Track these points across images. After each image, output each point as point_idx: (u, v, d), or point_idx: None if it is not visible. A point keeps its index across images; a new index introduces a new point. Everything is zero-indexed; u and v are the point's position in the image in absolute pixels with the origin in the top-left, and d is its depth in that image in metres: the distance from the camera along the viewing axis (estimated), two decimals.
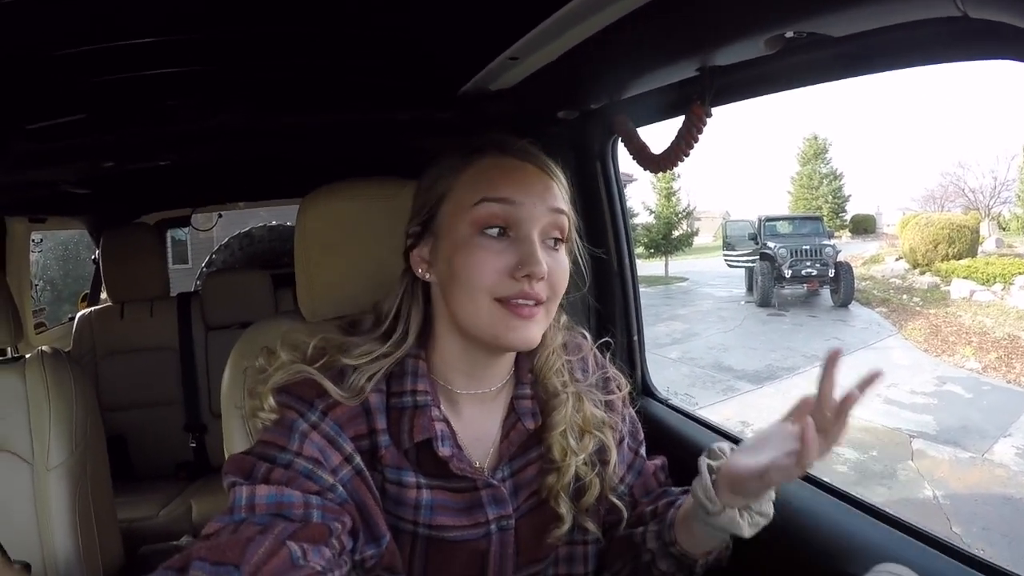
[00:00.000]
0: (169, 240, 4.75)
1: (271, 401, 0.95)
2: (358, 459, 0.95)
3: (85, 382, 1.67)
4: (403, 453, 0.98)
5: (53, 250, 16.27)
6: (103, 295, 3.47)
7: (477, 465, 1.02)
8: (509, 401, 1.07)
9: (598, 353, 1.20)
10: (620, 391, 1.17)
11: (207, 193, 3.63)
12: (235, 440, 1.25)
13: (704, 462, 0.99)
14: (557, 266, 0.96)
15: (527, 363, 1.08)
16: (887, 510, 1.11)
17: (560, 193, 0.99)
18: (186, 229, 4.47)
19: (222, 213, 4.48)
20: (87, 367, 2.95)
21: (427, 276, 1.00)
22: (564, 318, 1.14)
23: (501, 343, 0.95)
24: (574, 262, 1.04)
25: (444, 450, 0.97)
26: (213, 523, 0.84)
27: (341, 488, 0.91)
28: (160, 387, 3.04)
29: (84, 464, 1.60)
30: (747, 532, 0.96)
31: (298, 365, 0.96)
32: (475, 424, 1.04)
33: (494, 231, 0.94)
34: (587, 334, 1.20)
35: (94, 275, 3.87)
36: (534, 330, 0.94)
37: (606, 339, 1.22)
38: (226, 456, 1.26)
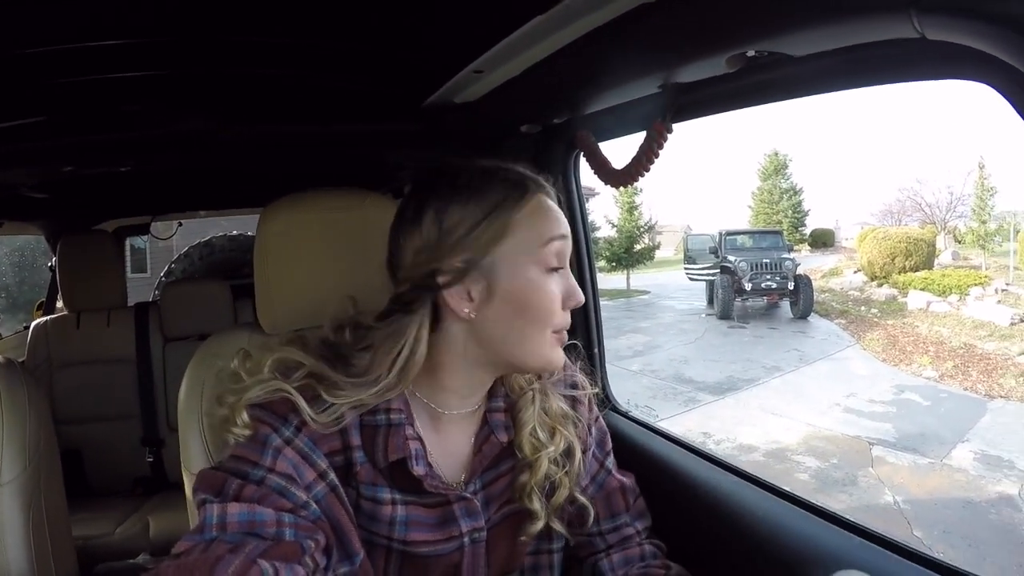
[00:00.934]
0: (128, 248, 4.66)
1: (244, 416, 0.92)
2: (332, 475, 0.94)
3: (39, 394, 1.61)
4: (378, 470, 0.97)
5: (8, 256, 15.85)
6: (59, 303, 3.38)
7: (450, 480, 1.02)
8: (483, 415, 1.07)
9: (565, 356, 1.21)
10: (586, 388, 1.18)
11: (167, 201, 3.55)
12: (192, 454, 1.22)
13: None
14: None
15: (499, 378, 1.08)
16: (846, 516, 1.12)
17: None
18: (145, 237, 4.38)
19: (182, 222, 4.40)
20: (42, 378, 2.85)
21: (472, 315, 0.96)
22: None
23: (550, 368, 1.02)
24: None
25: (418, 469, 0.97)
26: (183, 542, 0.82)
27: (315, 505, 0.90)
28: (116, 400, 2.95)
29: (38, 479, 1.55)
30: None
31: (277, 382, 0.93)
32: (450, 439, 1.04)
33: (557, 269, 0.98)
34: None
35: (50, 283, 3.77)
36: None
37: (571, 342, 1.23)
38: (183, 469, 1.24)
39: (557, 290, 0.97)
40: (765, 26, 0.84)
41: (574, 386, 1.17)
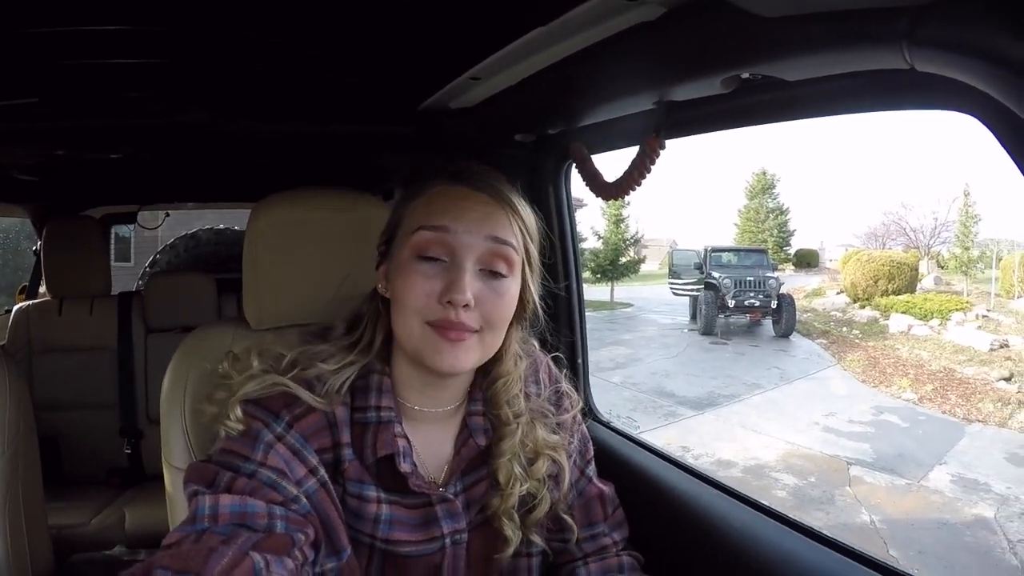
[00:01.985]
0: (112, 237, 4.62)
1: (238, 411, 0.93)
2: (323, 472, 0.95)
3: (20, 379, 1.59)
4: (365, 467, 0.98)
5: None
6: (42, 289, 3.35)
7: (431, 480, 1.03)
8: (462, 418, 1.08)
9: (552, 366, 1.21)
10: (572, 408, 1.18)
11: (157, 190, 3.53)
12: (174, 447, 1.21)
13: None
14: (495, 296, 0.96)
15: (481, 382, 1.08)
16: (824, 532, 1.13)
17: (511, 224, 0.99)
18: (131, 226, 4.34)
19: (170, 212, 4.37)
20: (22, 363, 2.82)
21: (385, 292, 1.01)
22: (535, 345, 1.17)
23: (428, 365, 0.95)
24: (536, 295, 1.06)
25: (405, 466, 0.98)
26: (175, 532, 0.83)
27: (305, 500, 0.91)
28: (96, 388, 2.92)
29: (15, 465, 1.53)
30: None
31: (272, 376, 0.96)
32: (430, 441, 1.05)
33: (430, 256, 0.95)
34: (536, 344, 1.20)
35: (34, 267, 3.74)
36: (462, 357, 0.95)
37: (556, 354, 1.24)
38: (164, 463, 1.24)
39: (426, 280, 0.94)
40: (761, 51, 0.86)
41: (559, 394, 1.17)
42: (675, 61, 1.01)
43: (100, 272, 3.05)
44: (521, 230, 1.01)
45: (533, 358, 1.17)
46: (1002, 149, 0.65)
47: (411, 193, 1.02)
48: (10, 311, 3.12)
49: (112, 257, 4.17)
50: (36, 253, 3.55)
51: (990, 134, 0.67)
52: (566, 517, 1.13)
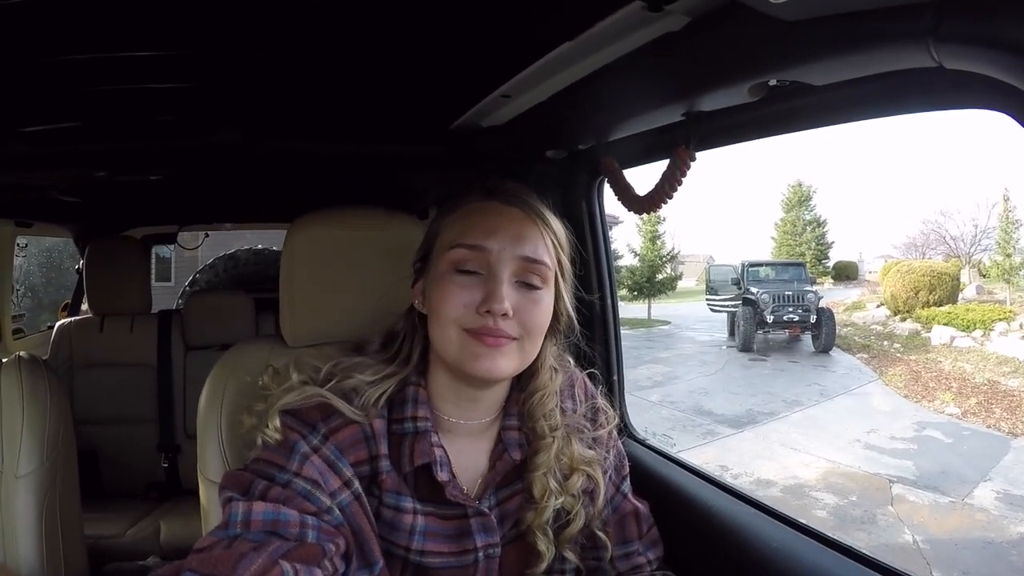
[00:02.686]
0: (153, 257, 4.72)
1: (277, 421, 0.95)
2: (357, 484, 0.96)
3: (61, 392, 1.64)
4: (403, 478, 0.99)
5: (36, 256, 16.11)
6: (84, 306, 3.43)
7: (466, 493, 1.03)
8: (497, 432, 1.08)
9: (588, 381, 1.21)
10: (608, 424, 1.17)
11: (195, 211, 3.61)
12: (210, 462, 1.23)
13: None
14: (531, 305, 0.98)
15: (517, 396, 1.09)
16: (864, 551, 1.11)
17: (543, 239, 1.01)
18: (171, 247, 4.43)
19: (209, 233, 4.46)
20: (63, 377, 2.88)
21: (422, 308, 1.03)
22: (571, 361, 1.18)
23: (467, 371, 0.96)
24: (570, 307, 1.07)
25: (442, 475, 0.99)
26: (208, 537, 0.84)
27: (338, 511, 0.92)
28: (135, 404, 2.99)
29: (54, 475, 1.57)
30: None
31: (311, 387, 0.98)
32: (465, 454, 1.05)
33: (467, 270, 0.97)
34: (571, 359, 1.20)
35: (76, 285, 3.84)
36: (501, 362, 0.96)
37: (591, 371, 1.23)
38: (199, 475, 1.26)
39: (464, 291, 0.96)
40: (786, 56, 0.85)
41: (595, 410, 1.17)
42: (701, 70, 1.01)
43: (141, 290, 3.13)
44: (553, 243, 1.03)
45: (569, 374, 1.17)
46: None
47: (446, 210, 1.05)
48: (52, 327, 3.20)
49: (153, 277, 4.26)
50: (78, 271, 3.64)
51: None
52: (601, 534, 1.12)
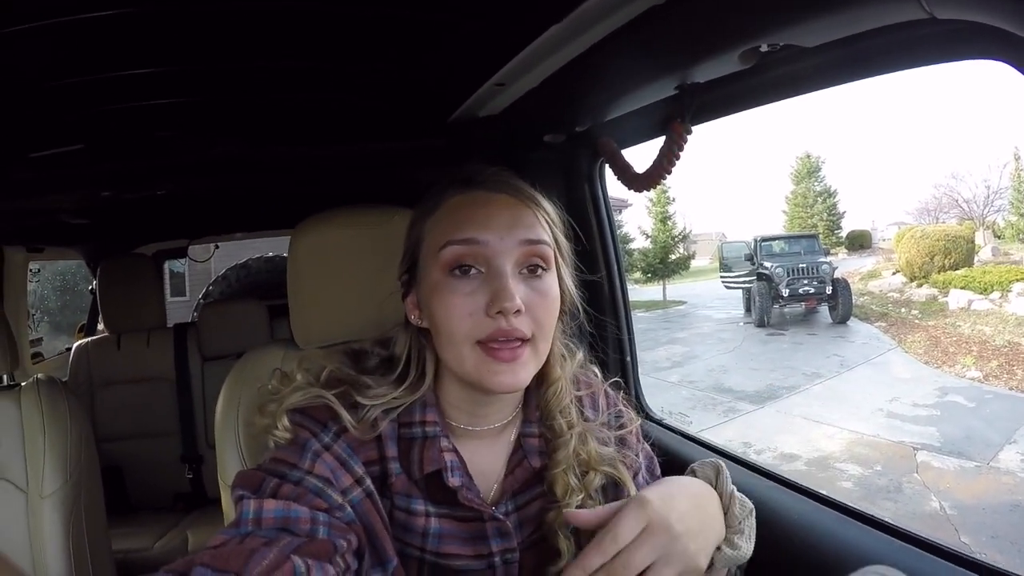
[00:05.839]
0: (167, 272, 4.75)
1: (285, 421, 0.94)
2: (369, 482, 0.95)
3: (80, 411, 1.66)
4: (413, 482, 0.98)
5: (51, 280, 16.28)
6: (100, 326, 3.47)
7: (482, 498, 1.01)
8: (516, 438, 1.06)
9: (610, 391, 1.18)
10: (631, 424, 1.14)
11: (204, 224, 3.65)
12: (229, 467, 1.24)
13: None
14: (540, 297, 0.93)
15: (534, 400, 1.07)
16: (888, 520, 1.11)
17: (538, 220, 0.97)
18: (183, 261, 4.46)
19: (219, 244, 4.48)
20: (83, 397, 2.92)
21: (421, 322, 0.99)
22: (580, 355, 1.13)
23: (487, 388, 0.92)
24: (572, 284, 1.03)
25: (454, 480, 0.97)
26: (220, 535, 0.83)
27: (350, 509, 0.91)
28: (156, 418, 3.02)
29: (78, 493, 1.59)
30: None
31: (316, 389, 0.96)
32: (478, 459, 1.03)
33: (463, 271, 0.92)
34: (597, 371, 1.17)
35: (91, 306, 3.88)
36: (520, 373, 0.92)
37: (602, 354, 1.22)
38: (220, 482, 1.27)
39: (467, 297, 0.91)
40: (774, 18, 0.84)
41: (619, 418, 1.15)
42: (689, 41, 1.01)
43: (155, 306, 3.17)
44: (548, 222, 0.98)
45: (588, 381, 1.15)
46: None
47: (424, 211, 1.00)
48: (70, 349, 3.23)
49: (168, 292, 4.29)
50: (92, 292, 3.68)
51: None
52: None
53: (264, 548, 0.78)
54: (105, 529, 1.77)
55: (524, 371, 0.93)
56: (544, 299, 0.94)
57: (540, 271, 0.95)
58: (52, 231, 3.02)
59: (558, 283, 0.99)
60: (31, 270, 3.84)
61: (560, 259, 1.00)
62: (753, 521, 0.97)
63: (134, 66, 1.29)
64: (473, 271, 0.92)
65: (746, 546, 0.93)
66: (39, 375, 1.69)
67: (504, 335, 0.90)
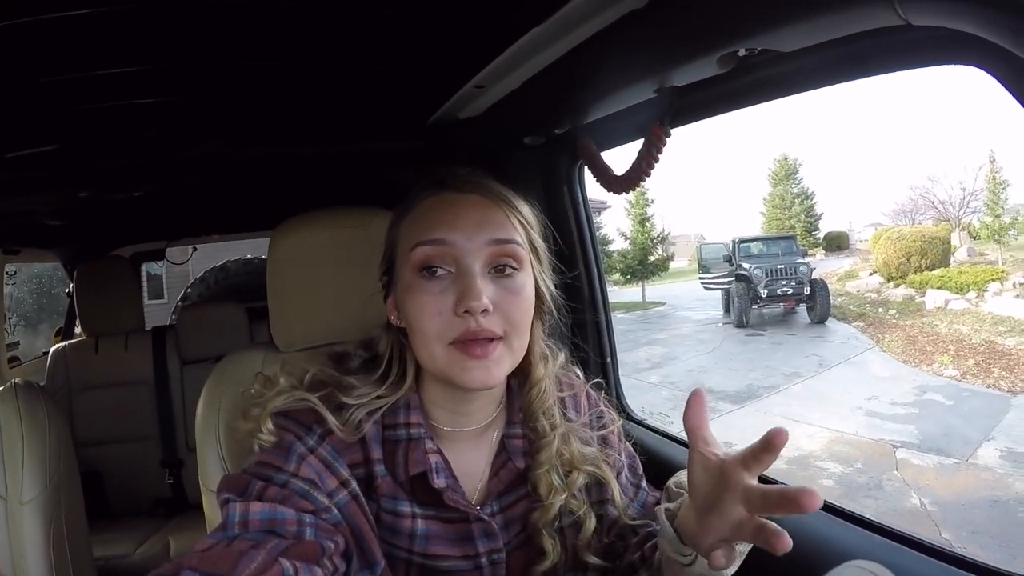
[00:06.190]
0: (144, 275, 4.70)
1: (270, 424, 0.94)
2: (354, 485, 0.95)
3: (59, 415, 1.64)
4: (399, 484, 0.98)
5: (27, 283, 16.04)
6: (77, 329, 3.42)
7: (467, 499, 1.01)
8: (499, 439, 1.06)
9: (592, 391, 1.19)
10: (612, 423, 1.15)
11: (182, 225, 3.62)
12: (210, 471, 1.24)
13: (662, 512, 0.95)
14: (511, 295, 0.94)
15: (518, 402, 1.07)
16: (870, 517, 1.12)
17: (509, 220, 0.97)
18: (161, 263, 4.41)
19: (197, 247, 4.44)
20: (61, 401, 2.89)
21: (399, 323, 0.99)
22: (562, 356, 1.13)
23: (458, 385, 0.92)
24: (551, 285, 1.03)
25: (439, 481, 0.97)
26: (207, 539, 0.83)
27: (336, 511, 0.91)
28: (135, 422, 2.99)
29: (58, 499, 1.57)
30: (730, 570, 0.90)
31: (299, 392, 0.96)
32: (462, 460, 1.03)
33: (431, 272, 0.92)
34: (579, 373, 1.18)
35: (68, 309, 3.82)
36: (494, 370, 0.92)
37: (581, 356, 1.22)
38: (202, 487, 1.26)
39: (436, 297, 0.91)
40: (752, 23, 0.85)
41: (600, 418, 1.15)
42: (668, 45, 1.01)
43: (133, 309, 3.13)
44: (521, 223, 0.98)
45: (571, 383, 1.16)
46: (1011, 97, 0.63)
47: (400, 213, 1.01)
48: (47, 353, 3.19)
49: (146, 295, 4.24)
50: (69, 295, 3.63)
51: (999, 85, 0.65)
52: (628, 520, 1.10)
53: (252, 550, 0.78)
54: (86, 535, 1.75)
55: (497, 368, 0.93)
56: (516, 297, 0.94)
57: (510, 271, 0.95)
58: (29, 232, 2.97)
59: (533, 283, 0.99)
60: (7, 273, 3.79)
61: (535, 259, 1.00)
62: None
63: (112, 65, 1.28)
64: (441, 271, 0.92)
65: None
66: (16, 379, 1.67)
67: (473, 335, 0.90)
